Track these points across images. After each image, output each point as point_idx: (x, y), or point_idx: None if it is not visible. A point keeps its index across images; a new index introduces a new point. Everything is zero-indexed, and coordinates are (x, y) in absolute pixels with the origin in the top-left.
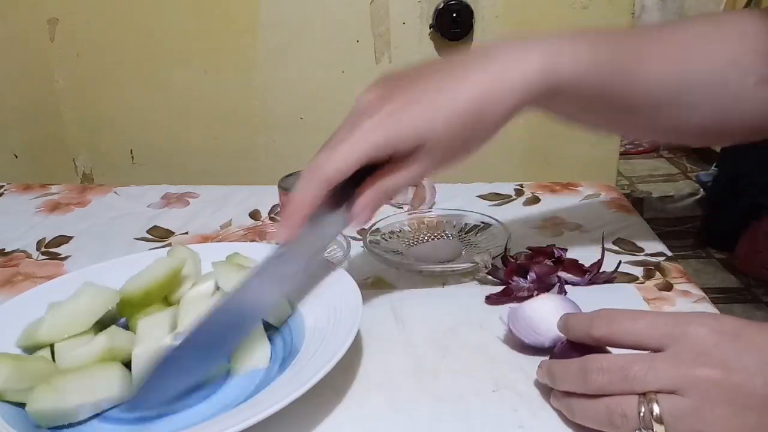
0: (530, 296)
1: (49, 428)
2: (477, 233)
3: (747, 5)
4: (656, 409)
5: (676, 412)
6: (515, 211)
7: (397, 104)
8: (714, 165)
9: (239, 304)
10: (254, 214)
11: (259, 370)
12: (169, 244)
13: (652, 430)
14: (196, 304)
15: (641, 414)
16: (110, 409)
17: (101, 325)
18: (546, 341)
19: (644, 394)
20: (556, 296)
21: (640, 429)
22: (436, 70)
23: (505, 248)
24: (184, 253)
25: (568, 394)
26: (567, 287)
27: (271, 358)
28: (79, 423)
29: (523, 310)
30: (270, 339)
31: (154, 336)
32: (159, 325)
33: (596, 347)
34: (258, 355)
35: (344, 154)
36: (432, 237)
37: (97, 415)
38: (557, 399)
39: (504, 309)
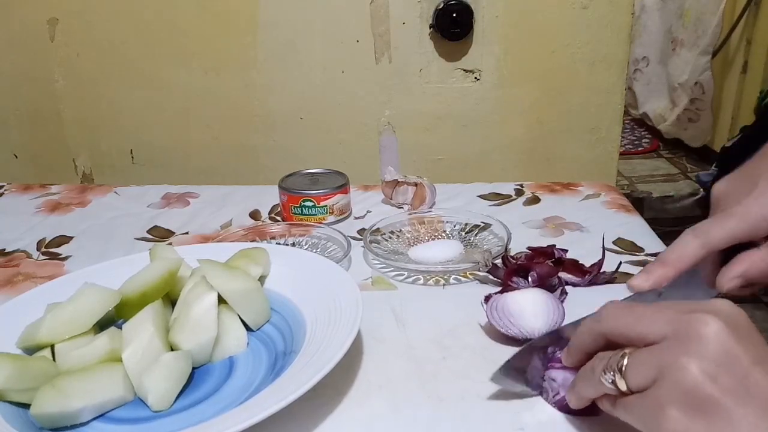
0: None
1: (51, 429)
2: (477, 233)
3: (747, 6)
4: (625, 360)
5: (639, 360)
6: (515, 211)
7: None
8: (714, 165)
9: None
10: (254, 214)
11: (254, 362)
12: (170, 244)
13: (613, 375)
14: (190, 304)
15: (610, 359)
16: (111, 409)
17: (98, 326)
18: (520, 333)
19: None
20: (537, 290)
21: (604, 371)
22: None
23: (506, 248)
24: (168, 253)
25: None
26: (567, 288)
27: (247, 343)
28: (81, 424)
29: (502, 300)
30: (270, 338)
31: (139, 337)
32: (142, 325)
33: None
34: (235, 343)
35: (734, 223)
36: (432, 237)
37: (98, 416)
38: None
39: (483, 295)
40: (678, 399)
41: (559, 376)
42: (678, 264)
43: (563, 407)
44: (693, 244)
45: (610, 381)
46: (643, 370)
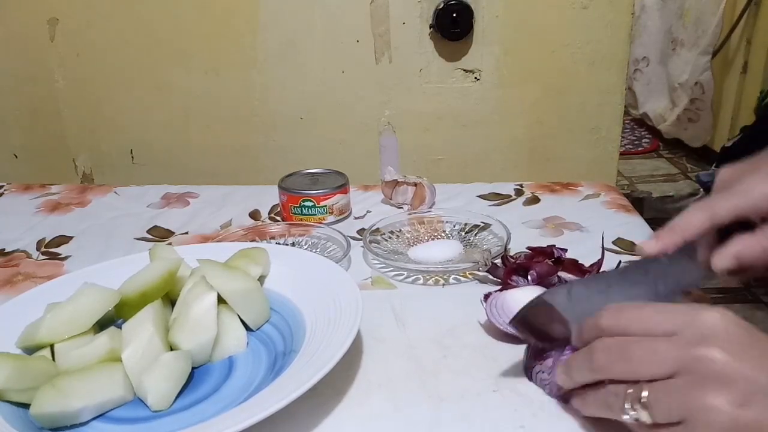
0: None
1: (50, 429)
2: (477, 233)
3: (747, 6)
4: (644, 393)
5: (662, 396)
6: (515, 211)
7: None
8: (714, 165)
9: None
10: (254, 214)
11: (253, 362)
12: (170, 244)
13: (636, 411)
14: (190, 304)
15: (627, 395)
16: (111, 409)
17: (98, 326)
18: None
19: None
20: (536, 288)
21: (624, 410)
22: None
23: (505, 248)
24: (168, 253)
25: (584, 389)
26: None
27: (247, 343)
28: (81, 424)
29: (502, 298)
30: (270, 338)
31: (139, 337)
32: (142, 325)
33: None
34: (234, 342)
35: (737, 199)
36: (432, 237)
37: (98, 416)
38: (575, 397)
39: (482, 294)
40: None
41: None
42: (685, 232)
43: (566, 399)
44: (700, 215)
45: (634, 418)
46: (668, 409)
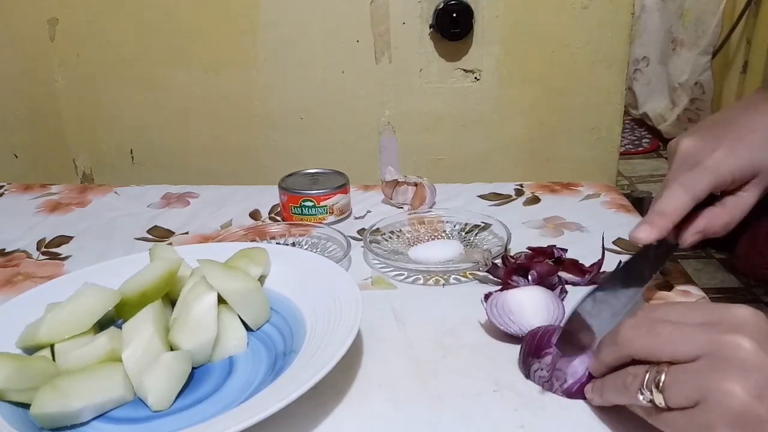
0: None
1: (51, 429)
2: (477, 233)
3: (747, 6)
4: (663, 377)
5: (679, 378)
6: (515, 211)
7: (730, 140)
8: None
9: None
10: (254, 214)
11: (254, 362)
12: (170, 244)
13: (651, 393)
14: (190, 304)
15: (646, 377)
16: (111, 409)
17: (98, 326)
18: (520, 330)
19: (658, 363)
20: (536, 288)
21: (641, 390)
22: (739, 114)
23: (505, 248)
24: (168, 253)
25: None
26: (567, 287)
27: (247, 343)
28: (81, 424)
29: (502, 298)
30: (270, 338)
31: (139, 337)
32: (142, 325)
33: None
34: (235, 343)
35: (711, 176)
36: (432, 237)
37: (98, 416)
38: (591, 386)
39: (483, 294)
40: (728, 421)
41: (564, 365)
42: (675, 216)
43: (572, 394)
44: (685, 197)
45: (648, 400)
46: (684, 392)
